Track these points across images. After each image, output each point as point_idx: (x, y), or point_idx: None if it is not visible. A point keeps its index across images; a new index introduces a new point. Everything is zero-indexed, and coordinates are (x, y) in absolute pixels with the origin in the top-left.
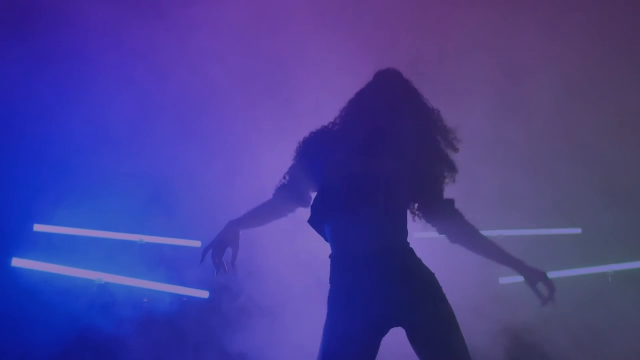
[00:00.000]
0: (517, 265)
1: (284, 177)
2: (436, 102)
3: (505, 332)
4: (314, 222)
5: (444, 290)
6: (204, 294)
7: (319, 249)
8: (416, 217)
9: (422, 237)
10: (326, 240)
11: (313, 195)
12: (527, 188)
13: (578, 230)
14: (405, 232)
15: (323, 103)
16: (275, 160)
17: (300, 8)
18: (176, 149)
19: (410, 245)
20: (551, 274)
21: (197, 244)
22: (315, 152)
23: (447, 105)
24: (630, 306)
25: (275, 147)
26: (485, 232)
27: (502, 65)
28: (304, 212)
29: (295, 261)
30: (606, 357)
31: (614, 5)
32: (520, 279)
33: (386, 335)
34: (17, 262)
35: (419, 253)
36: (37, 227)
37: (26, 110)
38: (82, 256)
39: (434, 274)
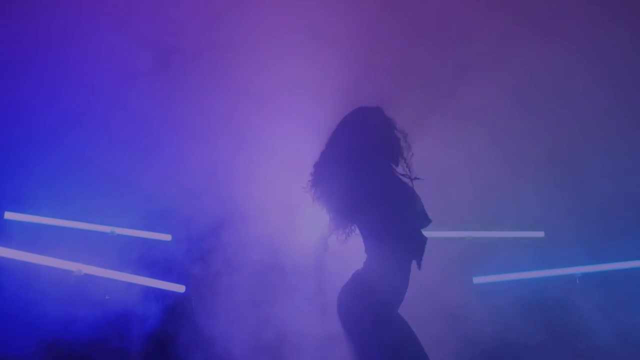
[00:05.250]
0: None
1: None
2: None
3: (479, 331)
4: None
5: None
6: (180, 288)
7: (286, 245)
8: None
9: None
10: None
11: None
12: (491, 192)
13: (541, 234)
14: None
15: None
16: (248, 161)
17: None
18: (149, 142)
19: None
20: (519, 275)
21: (167, 237)
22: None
23: (414, 110)
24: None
25: (247, 148)
26: (453, 234)
27: (461, 66)
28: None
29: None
30: (580, 353)
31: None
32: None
33: None
34: None
35: None
36: (8, 215)
37: None
38: (54, 246)
39: None
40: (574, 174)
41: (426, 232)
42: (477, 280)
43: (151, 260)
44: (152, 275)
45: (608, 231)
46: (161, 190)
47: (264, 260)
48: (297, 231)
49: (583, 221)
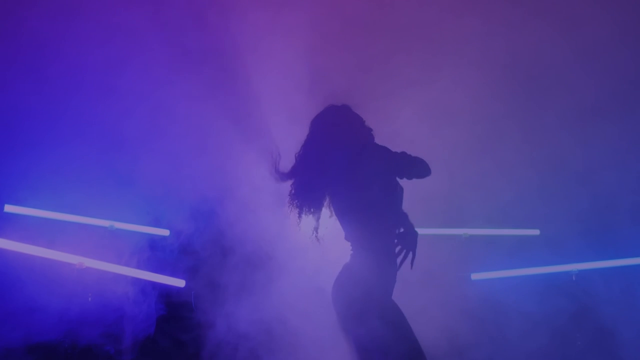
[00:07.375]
0: None
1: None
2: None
3: (477, 328)
4: None
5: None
6: (180, 282)
7: (283, 237)
8: None
9: None
10: None
11: None
12: (488, 190)
13: (536, 232)
14: None
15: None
16: (244, 158)
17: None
18: (149, 138)
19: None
20: (516, 272)
21: (165, 232)
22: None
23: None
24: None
25: (246, 146)
26: (449, 231)
27: (453, 65)
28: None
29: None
30: (578, 349)
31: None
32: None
33: None
34: None
35: None
36: (8, 208)
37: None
38: (53, 239)
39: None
40: (569, 173)
41: (424, 230)
42: (475, 276)
43: (151, 255)
44: (152, 269)
45: (603, 229)
46: (160, 186)
47: (262, 254)
48: (294, 224)
49: (578, 219)
